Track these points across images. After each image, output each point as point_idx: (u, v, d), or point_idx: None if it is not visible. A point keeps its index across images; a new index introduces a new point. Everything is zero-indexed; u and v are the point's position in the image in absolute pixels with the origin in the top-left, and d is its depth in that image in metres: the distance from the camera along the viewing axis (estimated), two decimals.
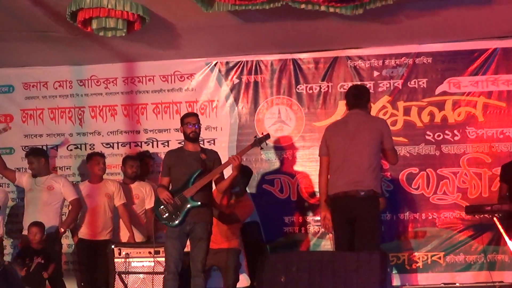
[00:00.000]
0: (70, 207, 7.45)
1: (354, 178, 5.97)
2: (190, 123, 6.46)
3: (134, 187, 7.68)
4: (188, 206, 6.29)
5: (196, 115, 6.63)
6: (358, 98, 6.28)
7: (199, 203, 6.31)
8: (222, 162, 6.50)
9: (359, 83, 7.87)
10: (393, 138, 7.74)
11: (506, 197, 7.02)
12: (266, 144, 7.10)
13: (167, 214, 6.32)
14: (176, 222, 6.28)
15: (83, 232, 7.50)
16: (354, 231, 6.00)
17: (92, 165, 7.62)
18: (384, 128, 6.18)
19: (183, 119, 6.54)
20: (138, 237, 7.52)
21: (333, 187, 6.09)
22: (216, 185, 6.59)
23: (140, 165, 7.75)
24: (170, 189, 6.46)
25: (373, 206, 6.01)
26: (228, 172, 6.57)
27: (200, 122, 6.56)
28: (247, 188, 7.45)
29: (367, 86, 7.18)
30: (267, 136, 6.78)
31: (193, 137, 6.47)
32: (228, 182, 6.54)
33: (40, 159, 7.50)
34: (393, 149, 6.23)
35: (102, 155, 7.77)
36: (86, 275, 7.48)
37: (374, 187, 5.98)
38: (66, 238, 7.85)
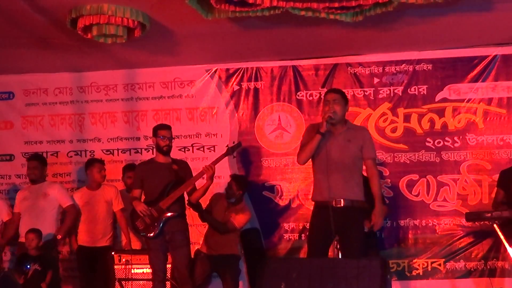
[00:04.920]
0: (66, 213, 7.40)
1: None
2: (165, 136, 6.52)
3: None
4: (165, 216, 6.36)
5: (170, 128, 6.66)
6: None
7: (176, 213, 6.40)
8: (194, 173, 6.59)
9: (359, 89, 7.90)
10: (394, 144, 7.75)
11: (502, 203, 7.00)
12: (237, 153, 7.35)
13: (144, 226, 6.40)
14: (153, 233, 6.36)
15: (83, 239, 7.46)
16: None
17: (93, 171, 7.57)
18: None
19: (156, 131, 6.58)
20: (137, 244, 7.51)
21: None
22: (188, 195, 6.62)
23: None
24: (143, 200, 6.53)
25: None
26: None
27: (173, 135, 6.61)
28: (245, 195, 7.47)
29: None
30: (239, 145, 7.02)
31: (166, 150, 6.54)
32: (201, 192, 6.61)
33: (44, 167, 7.48)
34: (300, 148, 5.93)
35: (102, 162, 7.75)
36: (86, 281, 7.45)
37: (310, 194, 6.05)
38: (65, 245, 7.83)
